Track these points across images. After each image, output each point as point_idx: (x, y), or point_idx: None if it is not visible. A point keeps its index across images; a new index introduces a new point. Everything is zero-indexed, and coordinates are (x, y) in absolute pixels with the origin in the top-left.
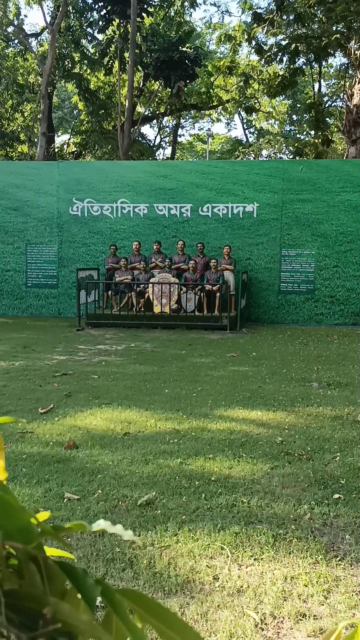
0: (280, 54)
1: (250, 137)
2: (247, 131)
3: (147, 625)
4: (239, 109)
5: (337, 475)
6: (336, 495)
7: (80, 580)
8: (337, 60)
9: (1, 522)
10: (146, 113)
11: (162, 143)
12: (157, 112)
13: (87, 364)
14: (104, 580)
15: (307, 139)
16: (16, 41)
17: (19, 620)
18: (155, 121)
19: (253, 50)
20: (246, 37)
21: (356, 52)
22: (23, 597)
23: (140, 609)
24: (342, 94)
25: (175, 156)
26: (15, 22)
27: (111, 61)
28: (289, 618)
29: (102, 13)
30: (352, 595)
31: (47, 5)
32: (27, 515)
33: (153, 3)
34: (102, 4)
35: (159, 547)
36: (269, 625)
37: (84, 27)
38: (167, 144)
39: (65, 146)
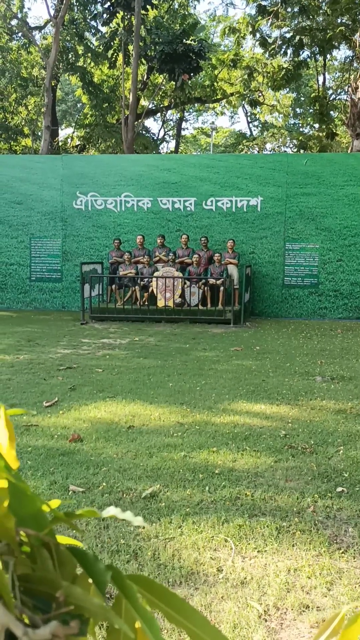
0: (284, 46)
1: (254, 130)
2: (251, 124)
3: (156, 610)
4: (243, 102)
5: (340, 469)
6: (339, 489)
7: (91, 565)
8: (342, 52)
9: (15, 508)
10: (150, 106)
11: (165, 136)
12: (161, 106)
13: (91, 357)
14: (114, 566)
15: (311, 132)
16: (20, 34)
17: (33, 603)
18: (159, 114)
19: (257, 43)
20: (250, 29)
21: None
22: (36, 581)
23: (149, 594)
24: (346, 87)
25: (179, 150)
26: (19, 15)
27: (115, 54)
28: (292, 609)
29: (105, 6)
30: (355, 587)
31: None
32: (40, 502)
33: None
34: None
35: (163, 539)
36: (273, 617)
37: (88, 20)
38: (171, 138)
39: (69, 140)
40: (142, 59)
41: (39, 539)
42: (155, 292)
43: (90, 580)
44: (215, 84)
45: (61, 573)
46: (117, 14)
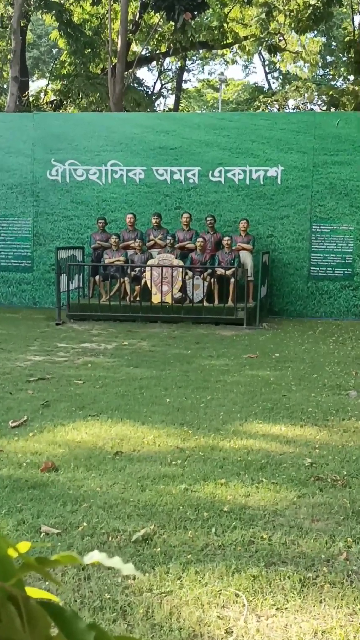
0: None
1: (274, 83)
2: (269, 76)
3: None
4: (260, 48)
5: None
6: None
7: (69, 624)
8: None
9: None
10: (143, 53)
11: (163, 91)
12: (157, 52)
13: (69, 366)
14: (97, 625)
15: (344, 85)
16: None
17: None
18: (154, 63)
19: None
20: None
21: None
22: None
23: None
24: None
25: (180, 107)
26: None
27: None
28: None
29: None
30: None
31: None
32: (5, 545)
33: None
34: None
35: (158, 593)
36: None
37: None
38: (170, 92)
39: (42, 94)
40: None
41: (4, 590)
42: (149, 284)
43: None
44: (225, 25)
45: (31, 634)
46: None
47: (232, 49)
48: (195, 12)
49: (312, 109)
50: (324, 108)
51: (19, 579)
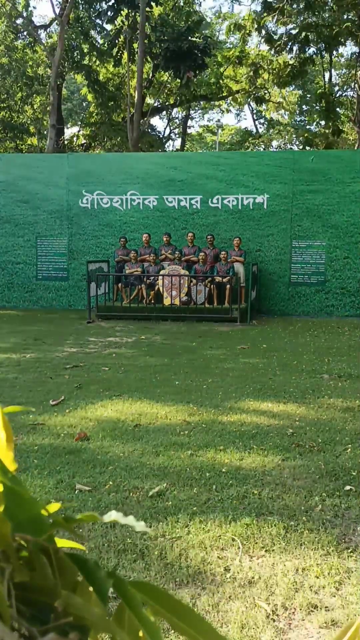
0: (290, 43)
1: (260, 127)
2: (257, 122)
3: (160, 618)
4: (249, 100)
5: (348, 467)
6: (347, 487)
7: (92, 573)
8: (348, 49)
9: (12, 513)
10: (155, 104)
11: (171, 134)
12: (167, 103)
13: (97, 356)
14: (116, 572)
15: (317, 129)
16: (25, 33)
17: (30, 613)
18: (164, 112)
19: (263, 39)
20: (256, 26)
21: None
22: (34, 590)
23: (153, 602)
24: (353, 84)
25: (185, 147)
26: (24, 14)
27: (120, 52)
28: (300, 609)
29: (110, 3)
30: None
31: None
32: (38, 506)
33: None
34: None
35: (170, 539)
36: (281, 617)
37: (93, 18)
38: (177, 136)
39: (74, 138)
40: (148, 57)
41: (38, 544)
42: (161, 290)
43: (91, 589)
44: (220, 81)
45: (61, 580)
46: (122, 12)
47: (227, 100)
48: (197, 71)
49: (291, 148)
50: (301, 147)
51: (50, 534)
